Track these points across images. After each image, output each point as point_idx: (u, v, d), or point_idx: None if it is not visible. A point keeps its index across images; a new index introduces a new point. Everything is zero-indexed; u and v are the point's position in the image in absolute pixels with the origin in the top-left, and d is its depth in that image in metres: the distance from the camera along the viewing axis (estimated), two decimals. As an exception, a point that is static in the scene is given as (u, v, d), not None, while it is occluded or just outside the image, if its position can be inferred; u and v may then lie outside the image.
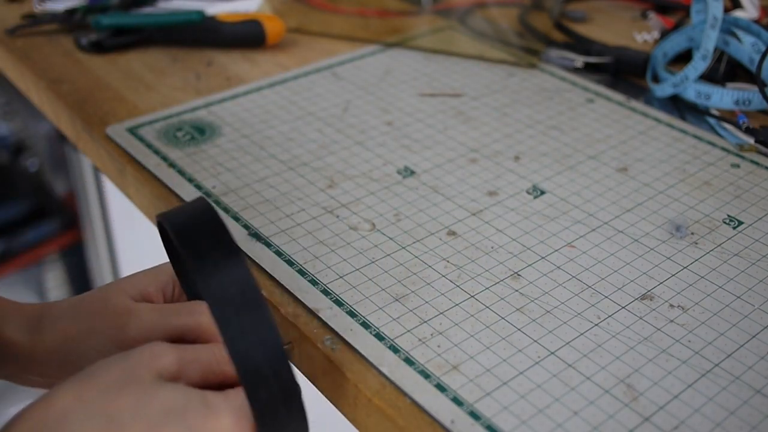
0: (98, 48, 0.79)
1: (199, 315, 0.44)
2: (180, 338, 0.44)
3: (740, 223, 0.56)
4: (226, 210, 0.56)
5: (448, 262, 0.52)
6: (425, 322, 0.47)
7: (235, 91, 0.72)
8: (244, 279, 0.38)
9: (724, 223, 0.56)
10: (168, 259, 0.47)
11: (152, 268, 0.48)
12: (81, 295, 0.46)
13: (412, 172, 0.61)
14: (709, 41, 0.68)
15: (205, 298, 0.37)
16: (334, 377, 0.45)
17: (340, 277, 0.50)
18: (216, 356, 0.41)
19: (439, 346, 0.45)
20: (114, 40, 0.79)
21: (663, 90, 0.71)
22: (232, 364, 0.37)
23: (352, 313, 0.47)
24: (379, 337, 0.46)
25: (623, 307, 0.48)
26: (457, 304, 0.48)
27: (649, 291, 0.50)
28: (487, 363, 0.44)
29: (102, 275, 1.29)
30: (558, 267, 0.51)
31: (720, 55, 0.73)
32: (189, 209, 0.41)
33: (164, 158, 0.62)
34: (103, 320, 0.44)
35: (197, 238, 0.39)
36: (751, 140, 0.65)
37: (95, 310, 0.44)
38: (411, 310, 0.48)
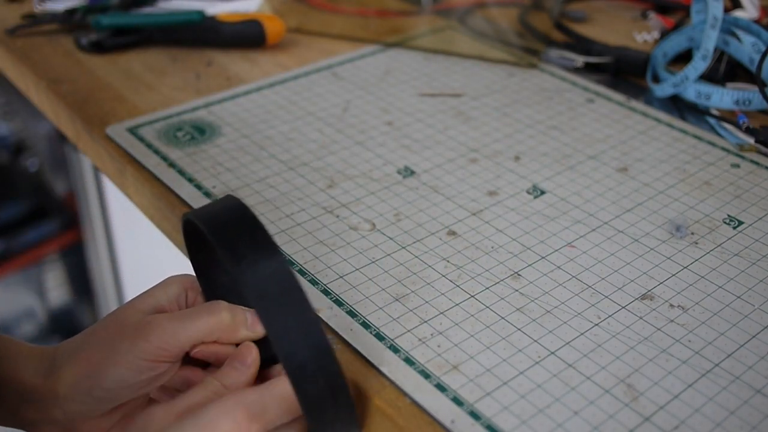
0: (98, 48, 0.79)
1: (219, 312, 0.43)
2: (203, 340, 0.43)
3: (740, 223, 0.56)
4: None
5: (448, 262, 0.52)
6: (425, 322, 0.47)
7: (235, 91, 0.72)
8: (285, 274, 0.38)
9: (724, 223, 0.56)
10: (173, 272, 0.47)
11: (160, 283, 0.47)
12: (92, 326, 0.45)
13: (412, 172, 0.61)
14: (709, 41, 0.68)
15: (247, 295, 0.38)
16: (334, 377, 0.45)
17: (340, 276, 0.50)
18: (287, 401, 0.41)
19: (439, 346, 0.45)
20: (114, 40, 0.79)
21: (663, 90, 0.71)
22: (280, 359, 0.37)
23: (352, 313, 0.47)
24: (379, 337, 0.46)
25: (623, 307, 0.48)
26: (457, 304, 0.48)
27: (649, 291, 0.50)
28: (488, 363, 0.44)
29: (102, 275, 1.29)
30: (558, 267, 0.51)
31: (720, 55, 0.73)
32: (219, 207, 0.41)
33: (164, 158, 0.62)
34: (123, 340, 0.43)
35: (234, 236, 0.39)
36: (751, 140, 0.65)
37: (113, 334, 0.43)
38: (411, 310, 0.48)
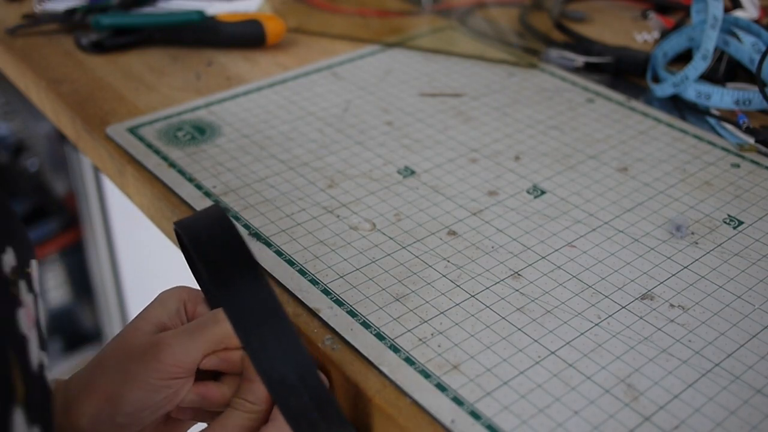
0: (98, 48, 0.79)
1: (225, 320, 0.44)
2: (213, 350, 0.44)
3: (740, 222, 0.56)
4: (227, 210, 0.56)
5: (448, 261, 0.52)
6: (425, 321, 0.47)
7: (235, 91, 0.72)
8: (264, 291, 0.38)
9: (725, 222, 0.56)
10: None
11: (156, 300, 0.47)
12: (96, 356, 0.45)
13: (413, 172, 0.61)
14: (709, 41, 0.68)
15: (226, 312, 0.38)
16: (335, 377, 0.45)
17: (341, 276, 0.50)
18: None
19: (439, 346, 0.45)
20: (114, 40, 0.79)
21: (663, 90, 0.71)
22: (258, 375, 0.37)
23: (352, 313, 0.47)
24: (380, 336, 0.46)
25: (623, 307, 0.48)
26: (457, 304, 0.48)
27: (649, 291, 0.50)
28: (488, 363, 0.44)
29: (102, 275, 1.29)
30: (558, 267, 0.51)
31: (720, 55, 0.73)
32: (205, 219, 0.41)
33: (164, 158, 0.62)
34: (134, 363, 0.43)
35: (215, 251, 0.39)
36: (751, 140, 0.65)
37: (122, 359, 0.43)
38: (411, 310, 0.48)
